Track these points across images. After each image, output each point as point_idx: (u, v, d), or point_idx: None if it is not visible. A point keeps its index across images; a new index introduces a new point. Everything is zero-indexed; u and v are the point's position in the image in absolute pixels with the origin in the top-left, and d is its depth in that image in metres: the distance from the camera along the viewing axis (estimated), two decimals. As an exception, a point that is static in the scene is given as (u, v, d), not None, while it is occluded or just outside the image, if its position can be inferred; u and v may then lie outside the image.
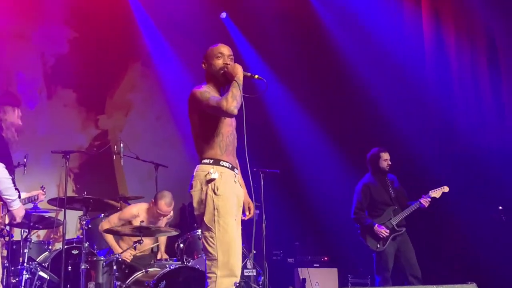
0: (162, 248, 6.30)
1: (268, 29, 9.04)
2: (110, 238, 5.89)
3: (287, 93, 9.12)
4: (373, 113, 8.24)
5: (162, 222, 6.03)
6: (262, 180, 6.20)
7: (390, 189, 6.52)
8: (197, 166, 3.86)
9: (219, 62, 3.92)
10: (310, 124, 8.95)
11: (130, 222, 5.86)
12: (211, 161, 3.82)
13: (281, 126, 9.14)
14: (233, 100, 3.66)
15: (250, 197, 4.19)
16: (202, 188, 3.76)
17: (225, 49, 3.95)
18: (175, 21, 9.09)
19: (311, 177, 8.71)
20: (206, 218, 3.70)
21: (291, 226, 8.39)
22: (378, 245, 6.34)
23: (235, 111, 3.68)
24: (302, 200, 8.70)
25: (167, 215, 6.07)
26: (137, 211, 6.01)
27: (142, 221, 5.43)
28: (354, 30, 8.55)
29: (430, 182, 6.68)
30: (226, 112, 3.68)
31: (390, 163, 6.55)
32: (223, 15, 9.34)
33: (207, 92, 3.82)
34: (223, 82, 3.91)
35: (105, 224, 5.92)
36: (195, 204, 3.79)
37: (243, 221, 7.90)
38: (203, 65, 4.03)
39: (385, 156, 6.57)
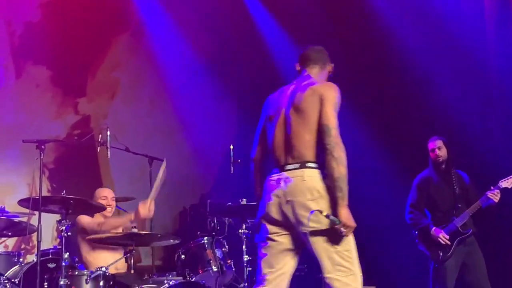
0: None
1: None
2: (110, 221, 5.92)
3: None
4: (423, 97, 8.22)
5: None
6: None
7: (455, 185, 6.47)
8: (303, 170, 4.04)
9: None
10: (343, 110, 8.90)
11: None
12: (318, 165, 4.07)
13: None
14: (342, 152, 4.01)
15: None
16: (322, 195, 3.97)
17: None
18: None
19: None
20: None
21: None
22: (441, 254, 6.28)
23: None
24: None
25: (109, 204, 6.09)
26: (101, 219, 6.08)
27: (134, 226, 5.43)
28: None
29: (502, 171, 6.62)
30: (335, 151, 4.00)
31: (438, 153, 6.50)
32: None
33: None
34: None
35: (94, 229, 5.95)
36: (312, 216, 3.95)
37: (252, 226, 7.91)
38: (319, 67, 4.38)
39: (431, 145, 6.54)
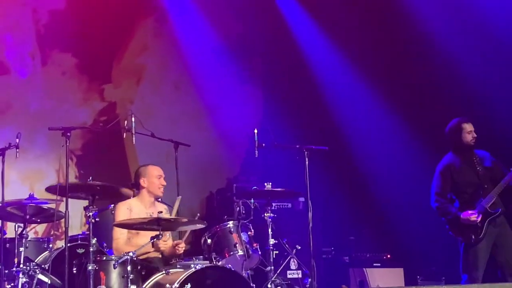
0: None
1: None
2: (125, 248, 5.91)
3: (337, 54, 9.09)
4: (452, 79, 8.18)
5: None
6: (307, 159, 6.21)
7: (478, 166, 6.46)
8: None
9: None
10: (368, 91, 8.91)
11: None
12: None
13: (330, 94, 9.12)
14: None
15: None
16: None
17: None
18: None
19: (369, 155, 8.70)
20: None
21: (344, 216, 8.42)
22: (473, 236, 6.29)
23: None
24: (358, 184, 8.69)
25: (163, 183, 6.12)
26: (128, 205, 6.08)
27: (160, 212, 5.52)
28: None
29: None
30: None
31: (475, 135, 6.50)
32: None
33: None
34: None
35: (114, 245, 5.99)
36: None
37: (280, 210, 8.00)
38: None
39: (468, 127, 6.52)
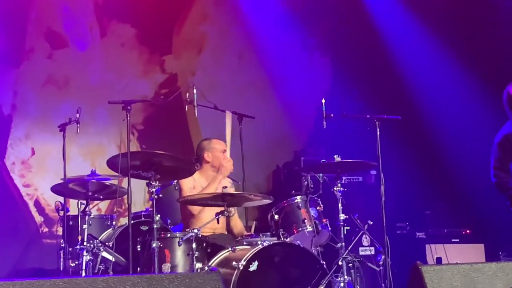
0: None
1: None
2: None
3: (410, 17, 8.94)
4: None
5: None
6: (378, 130, 6.13)
7: None
8: None
9: None
10: (444, 57, 8.75)
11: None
12: None
13: (402, 60, 8.99)
14: None
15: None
16: None
17: None
18: None
19: (446, 124, 8.56)
20: None
21: (420, 189, 8.33)
22: None
23: None
24: (433, 154, 8.57)
25: (227, 160, 6.11)
26: (191, 182, 6.11)
27: (224, 187, 5.54)
28: None
29: None
30: None
31: None
32: None
33: None
34: None
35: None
36: None
37: (351, 183, 7.95)
38: None
39: None
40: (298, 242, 5.59)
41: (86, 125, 7.21)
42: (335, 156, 5.98)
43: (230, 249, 5.50)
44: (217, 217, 5.46)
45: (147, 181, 5.44)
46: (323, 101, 6.03)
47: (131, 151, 5.40)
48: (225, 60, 9.32)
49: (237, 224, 6.29)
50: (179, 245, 5.41)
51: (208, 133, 8.24)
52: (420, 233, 7.96)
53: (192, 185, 6.08)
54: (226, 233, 6.13)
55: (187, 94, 6.26)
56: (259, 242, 5.47)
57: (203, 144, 6.29)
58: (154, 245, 5.31)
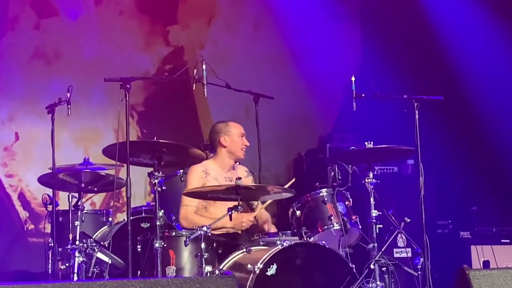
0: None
1: None
2: (196, 219, 5.98)
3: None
4: None
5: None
6: (417, 112, 6.12)
7: None
8: None
9: None
10: (496, 26, 8.69)
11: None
12: None
13: (443, 32, 8.94)
14: None
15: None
16: None
17: None
18: None
19: (495, 106, 8.53)
20: None
21: (465, 181, 8.32)
22: None
23: None
24: (481, 141, 8.53)
25: (246, 143, 6.11)
26: (204, 168, 6.09)
27: (238, 178, 5.51)
28: None
29: None
30: None
31: None
32: None
33: None
34: None
35: (182, 213, 6.03)
36: None
37: (385, 175, 7.94)
38: None
39: None
40: (323, 242, 5.58)
41: (78, 106, 7.24)
42: (366, 142, 5.96)
43: (244, 249, 5.51)
44: (230, 212, 5.44)
45: (149, 171, 5.44)
46: (353, 78, 6.02)
47: (130, 141, 5.41)
48: (238, 31, 9.31)
49: (263, 215, 6.27)
50: (186, 245, 5.41)
51: (219, 115, 8.24)
52: (465, 232, 7.95)
53: (203, 175, 6.07)
54: (240, 232, 6.12)
55: (195, 71, 6.23)
56: (278, 242, 5.46)
57: (218, 126, 6.29)
58: (156, 245, 5.31)
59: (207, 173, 6.09)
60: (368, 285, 5.62)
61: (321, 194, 5.96)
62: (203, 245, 5.39)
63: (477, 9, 8.78)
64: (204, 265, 5.35)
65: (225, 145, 6.18)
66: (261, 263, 5.21)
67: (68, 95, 6.14)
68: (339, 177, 6.03)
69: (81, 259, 5.76)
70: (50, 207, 6.44)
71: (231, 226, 5.90)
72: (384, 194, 6.11)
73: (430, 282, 5.82)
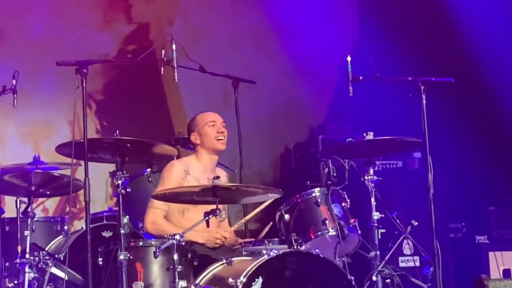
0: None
1: None
2: (165, 225, 6.01)
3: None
4: None
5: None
6: (424, 97, 6.15)
7: None
8: None
9: None
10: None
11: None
12: None
13: (453, 7, 8.99)
14: None
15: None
16: None
17: None
18: None
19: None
20: None
21: (480, 177, 8.36)
22: None
23: None
24: (499, 130, 8.59)
25: (220, 130, 6.14)
26: (184, 166, 6.11)
27: (216, 177, 5.53)
28: None
29: None
30: None
31: None
32: None
33: None
34: None
35: (150, 216, 6.04)
36: None
37: (388, 170, 8.00)
38: None
39: None
40: (316, 250, 5.59)
41: (26, 95, 7.22)
42: (366, 133, 5.99)
43: (224, 261, 5.52)
44: (206, 218, 5.46)
45: (111, 170, 5.45)
46: (349, 58, 6.03)
47: (88, 138, 5.42)
48: (214, 3, 9.30)
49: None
50: (156, 257, 5.42)
51: (192, 104, 8.26)
52: (481, 236, 7.99)
53: (183, 175, 6.09)
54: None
55: (163, 52, 6.25)
56: (264, 252, 5.45)
57: (188, 124, 6.35)
58: (121, 257, 5.33)
59: (187, 172, 6.11)
60: (370, 300, 5.69)
61: (314, 194, 5.98)
62: (175, 257, 5.39)
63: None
64: (177, 280, 5.36)
65: (197, 143, 6.21)
66: (244, 277, 5.21)
67: (14, 82, 6.12)
68: (334, 174, 6.05)
69: (32, 275, 5.76)
70: (-6, 215, 6.44)
71: (202, 242, 5.94)
72: (387, 194, 6.17)
73: (442, 294, 5.88)
